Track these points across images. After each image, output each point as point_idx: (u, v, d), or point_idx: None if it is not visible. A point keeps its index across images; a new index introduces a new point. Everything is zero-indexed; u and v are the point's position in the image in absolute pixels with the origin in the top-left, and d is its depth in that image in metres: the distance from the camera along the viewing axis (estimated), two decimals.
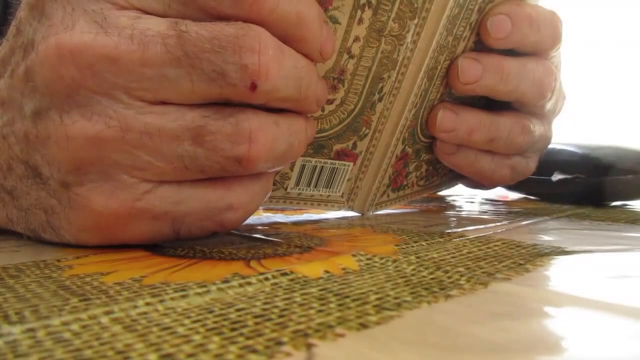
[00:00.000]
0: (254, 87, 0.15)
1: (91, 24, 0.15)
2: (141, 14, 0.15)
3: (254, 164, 0.16)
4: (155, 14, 0.15)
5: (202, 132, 0.16)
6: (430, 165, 0.30)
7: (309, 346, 0.09)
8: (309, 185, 0.25)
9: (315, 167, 0.24)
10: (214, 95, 0.16)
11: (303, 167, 0.24)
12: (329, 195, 0.26)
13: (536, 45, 0.25)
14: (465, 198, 0.43)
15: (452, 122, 0.26)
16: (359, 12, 0.20)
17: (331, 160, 0.25)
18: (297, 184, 0.25)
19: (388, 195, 0.28)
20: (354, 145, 0.25)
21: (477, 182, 0.31)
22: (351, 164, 0.25)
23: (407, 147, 0.27)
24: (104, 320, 0.10)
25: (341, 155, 0.25)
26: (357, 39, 0.21)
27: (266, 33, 0.16)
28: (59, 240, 0.17)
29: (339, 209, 0.27)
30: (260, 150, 0.16)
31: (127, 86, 0.15)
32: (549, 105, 0.28)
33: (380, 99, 0.24)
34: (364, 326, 0.10)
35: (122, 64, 0.15)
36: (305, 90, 0.17)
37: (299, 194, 0.25)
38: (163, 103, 0.16)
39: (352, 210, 0.28)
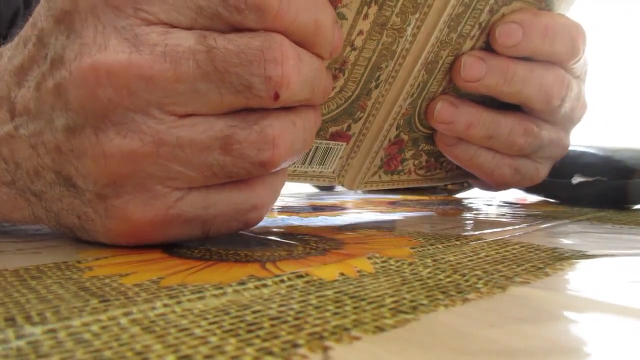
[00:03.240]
0: (277, 96, 0.16)
1: (123, 42, 0.15)
2: (169, 29, 0.15)
3: (276, 166, 0.17)
4: (181, 27, 0.16)
5: (230, 141, 0.16)
6: (432, 156, 0.30)
7: (325, 349, 0.09)
8: (304, 163, 0.26)
9: (311, 147, 0.25)
10: (240, 106, 0.16)
11: None
12: (321, 172, 0.27)
13: (550, 56, 0.25)
14: (483, 201, 0.43)
15: (450, 114, 0.26)
16: (366, 8, 0.21)
17: (326, 141, 0.25)
18: (294, 162, 0.25)
19: (380, 176, 0.29)
20: (348, 127, 0.25)
21: (484, 182, 0.31)
22: (344, 143, 0.26)
23: (402, 133, 0.27)
24: (123, 321, 0.11)
25: (335, 136, 0.25)
26: (361, 32, 0.22)
27: (287, 42, 0.16)
28: (93, 240, 0.18)
29: (330, 183, 0.28)
30: (282, 153, 0.17)
31: (160, 102, 0.15)
32: (562, 112, 0.27)
33: (376, 86, 0.24)
34: (380, 329, 0.10)
35: (156, 82, 0.15)
36: (317, 90, 0.18)
37: (294, 170, 0.26)
38: (191, 115, 0.16)
39: (342, 185, 0.28)
